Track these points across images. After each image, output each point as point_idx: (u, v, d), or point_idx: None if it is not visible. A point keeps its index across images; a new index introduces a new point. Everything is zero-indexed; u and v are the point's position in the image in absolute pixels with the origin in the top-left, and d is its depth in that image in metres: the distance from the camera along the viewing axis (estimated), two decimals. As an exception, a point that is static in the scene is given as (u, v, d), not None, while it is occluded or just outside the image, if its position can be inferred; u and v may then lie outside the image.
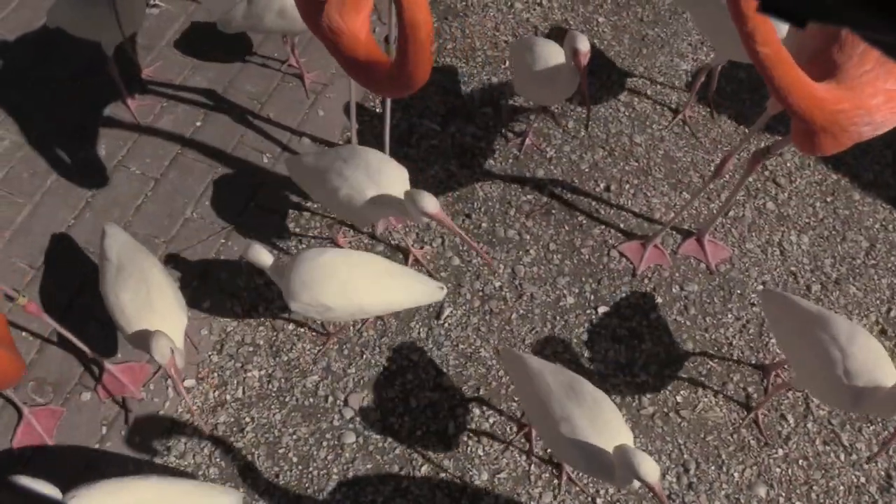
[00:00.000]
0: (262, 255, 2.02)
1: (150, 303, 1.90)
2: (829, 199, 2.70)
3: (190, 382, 2.19)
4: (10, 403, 2.08)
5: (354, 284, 1.96)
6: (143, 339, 1.86)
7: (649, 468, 1.56)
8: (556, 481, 2.12)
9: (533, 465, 2.14)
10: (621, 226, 2.56)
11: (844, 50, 1.59)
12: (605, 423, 1.74)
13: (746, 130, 2.83)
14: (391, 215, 2.11)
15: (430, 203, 1.90)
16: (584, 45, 2.09)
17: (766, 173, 2.73)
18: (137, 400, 2.13)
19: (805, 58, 1.65)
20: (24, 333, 2.20)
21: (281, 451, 2.12)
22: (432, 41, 1.54)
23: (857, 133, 1.59)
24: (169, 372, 1.77)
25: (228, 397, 2.18)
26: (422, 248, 2.42)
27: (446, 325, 2.33)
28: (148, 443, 2.09)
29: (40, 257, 2.33)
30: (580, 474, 2.14)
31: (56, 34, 2.79)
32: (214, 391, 2.19)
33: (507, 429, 2.18)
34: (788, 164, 2.75)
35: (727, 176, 2.70)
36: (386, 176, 2.01)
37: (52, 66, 2.72)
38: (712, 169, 2.72)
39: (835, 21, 0.44)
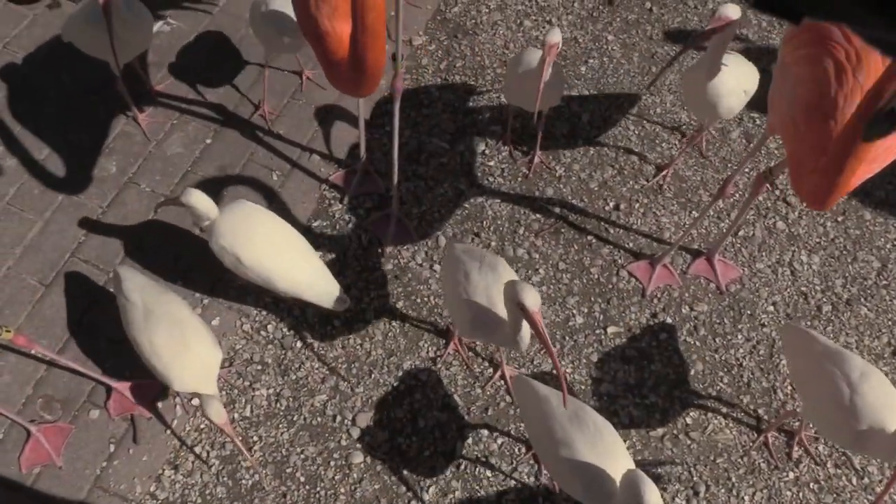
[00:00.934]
0: (203, 202, 2.05)
1: (188, 345, 1.92)
2: (839, 219, 2.68)
3: (198, 401, 2.18)
4: (16, 424, 2.08)
5: (270, 250, 2.05)
6: (188, 389, 1.93)
7: (654, 498, 1.55)
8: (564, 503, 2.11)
9: (542, 487, 2.12)
10: (630, 245, 2.56)
11: (837, 118, 1.57)
12: (605, 448, 1.73)
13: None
14: (491, 339, 2.00)
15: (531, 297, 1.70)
16: (552, 37, 2.13)
17: (777, 192, 2.72)
18: (146, 418, 2.13)
19: (803, 118, 1.66)
20: (32, 350, 2.21)
21: (288, 470, 2.11)
22: (383, 26, 1.59)
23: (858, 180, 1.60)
24: (226, 430, 1.82)
25: (236, 416, 2.18)
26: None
27: (459, 341, 2.33)
28: (156, 461, 2.09)
29: (51, 274, 2.33)
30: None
31: (68, 51, 2.80)
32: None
33: (516, 450, 2.17)
34: (799, 184, 2.74)
35: (737, 195, 2.69)
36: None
37: (64, 83, 2.73)
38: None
39: (831, 16, 0.43)
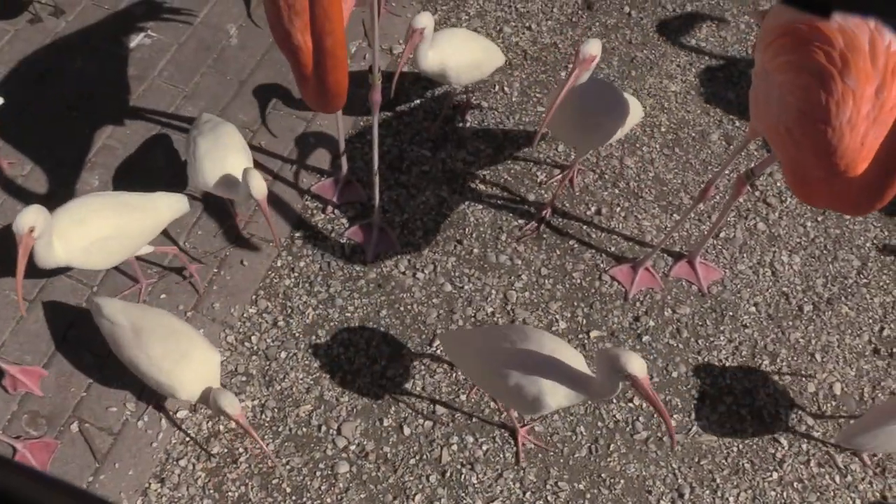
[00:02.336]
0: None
1: (185, 352, 1.93)
2: (819, 219, 2.70)
3: (183, 413, 2.19)
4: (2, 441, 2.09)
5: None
6: (203, 396, 1.94)
7: (636, 363, 1.60)
8: (550, 508, 2.12)
9: (528, 493, 2.13)
10: (612, 249, 2.57)
11: (834, 127, 1.58)
12: (555, 346, 1.81)
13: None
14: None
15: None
16: (588, 48, 1.97)
17: (757, 194, 2.74)
18: (109, 433, 2.13)
19: (807, 155, 1.67)
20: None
21: (274, 481, 2.12)
22: (342, 50, 1.60)
23: None
24: (242, 423, 1.88)
25: (222, 427, 2.19)
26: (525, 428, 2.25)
27: (439, 351, 2.34)
28: (142, 475, 2.09)
29: (34, 290, 2.33)
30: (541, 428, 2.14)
31: (50, 66, 2.81)
32: (208, 422, 2.19)
33: (501, 456, 2.18)
34: (779, 184, 2.76)
35: (717, 197, 2.71)
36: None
37: (47, 98, 2.74)
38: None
39: (860, 9, 0.42)
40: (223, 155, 2.21)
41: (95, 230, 2.01)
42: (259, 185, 2.05)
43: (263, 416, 2.21)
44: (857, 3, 0.42)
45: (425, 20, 2.27)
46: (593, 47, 1.97)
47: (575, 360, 1.81)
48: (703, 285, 2.50)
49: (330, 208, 2.59)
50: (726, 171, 2.71)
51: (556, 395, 1.78)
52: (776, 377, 2.37)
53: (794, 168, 1.73)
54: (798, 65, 1.63)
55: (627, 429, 2.26)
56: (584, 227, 2.62)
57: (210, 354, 1.98)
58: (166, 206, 2.17)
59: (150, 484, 2.09)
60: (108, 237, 2.02)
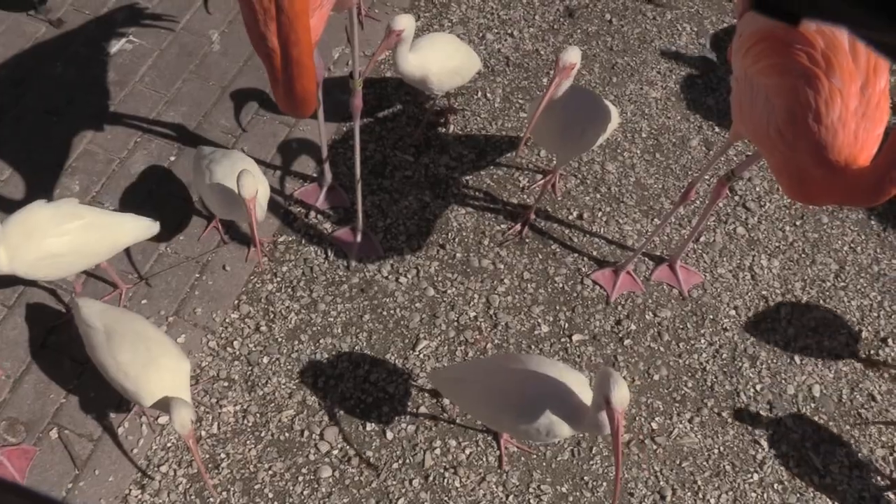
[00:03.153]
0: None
1: (153, 358, 1.90)
2: (798, 223, 2.74)
3: (164, 419, 2.17)
4: (-20, 445, 2.06)
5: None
6: (161, 405, 1.89)
7: (621, 392, 1.58)
8: (532, 511, 2.13)
9: (511, 496, 2.14)
10: (594, 253, 2.59)
11: (825, 125, 1.61)
12: (557, 372, 1.80)
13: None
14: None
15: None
16: (568, 56, 1.99)
17: (736, 198, 2.77)
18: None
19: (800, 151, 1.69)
20: (-5, 373, 2.19)
21: (256, 486, 2.11)
22: (309, 58, 1.60)
23: None
24: (189, 444, 1.80)
25: (203, 433, 2.17)
26: None
27: (422, 355, 2.34)
28: (122, 481, 2.07)
29: (13, 295, 2.31)
30: (524, 440, 2.14)
31: (31, 71, 2.79)
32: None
33: (484, 460, 2.19)
34: (758, 189, 2.80)
35: (698, 202, 2.74)
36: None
37: (28, 102, 2.72)
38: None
39: (830, 18, 0.42)
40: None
41: (48, 246, 1.93)
42: (249, 185, 2.00)
43: (245, 422, 2.20)
44: (825, 11, 0.42)
45: (405, 22, 2.25)
46: (573, 55, 1.99)
47: (578, 383, 1.79)
48: (683, 289, 2.52)
49: (313, 213, 2.59)
50: (706, 176, 2.74)
51: (562, 428, 1.78)
52: (756, 379, 2.39)
53: (790, 170, 1.74)
54: (782, 67, 1.66)
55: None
56: (567, 231, 2.63)
57: (180, 363, 1.94)
58: (131, 230, 2.12)
59: (130, 490, 2.07)
60: (60, 255, 1.96)
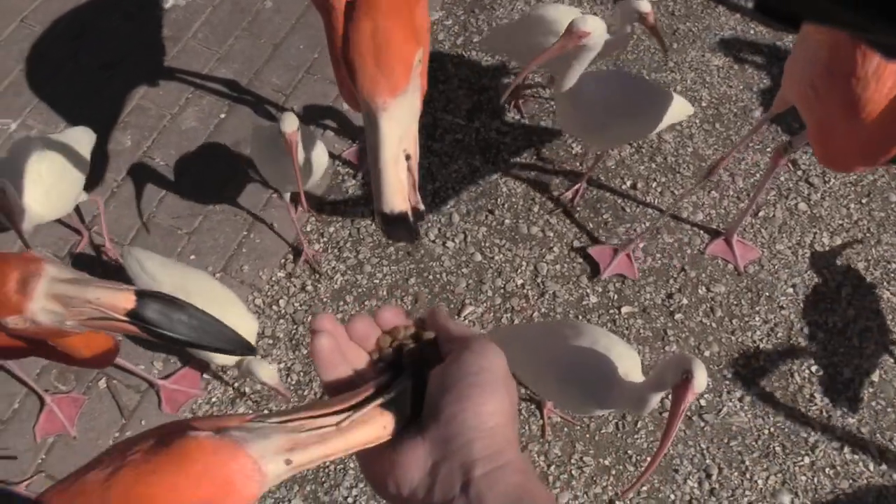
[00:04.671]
0: None
1: (225, 317, 1.89)
2: (864, 201, 2.62)
3: (208, 375, 2.19)
4: (32, 392, 2.11)
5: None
6: (243, 368, 1.95)
7: (703, 375, 1.50)
8: (574, 483, 2.09)
9: (553, 467, 2.11)
10: (647, 224, 2.51)
11: (860, 77, 1.55)
12: (610, 345, 1.74)
13: (778, 127, 2.76)
14: None
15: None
16: (581, 25, 1.77)
17: (799, 173, 2.66)
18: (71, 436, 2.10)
19: (824, 104, 1.64)
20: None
21: (302, 405, 2.11)
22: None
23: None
24: (280, 391, 1.95)
25: (247, 390, 2.19)
26: None
27: (467, 321, 2.31)
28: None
29: (65, 247, 2.35)
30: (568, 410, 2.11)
31: (84, 25, 2.81)
32: (234, 383, 2.19)
33: (527, 428, 2.16)
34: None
35: (757, 175, 2.63)
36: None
37: (82, 57, 2.73)
38: (742, 167, 2.66)
39: (830, 22, 0.43)
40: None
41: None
42: (290, 121, 1.91)
43: (289, 380, 2.21)
44: (825, 14, 0.42)
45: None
46: (587, 23, 1.75)
47: (630, 360, 1.74)
48: (739, 264, 2.44)
49: (361, 175, 2.57)
50: (768, 149, 2.62)
51: (605, 402, 1.73)
52: (812, 361, 2.31)
53: (820, 128, 1.71)
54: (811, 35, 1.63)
55: (656, 407, 2.21)
56: (620, 200, 2.56)
57: (249, 323, 1.95)
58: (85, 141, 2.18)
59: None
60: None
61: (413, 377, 0.58)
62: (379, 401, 0.54)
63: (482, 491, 0.51)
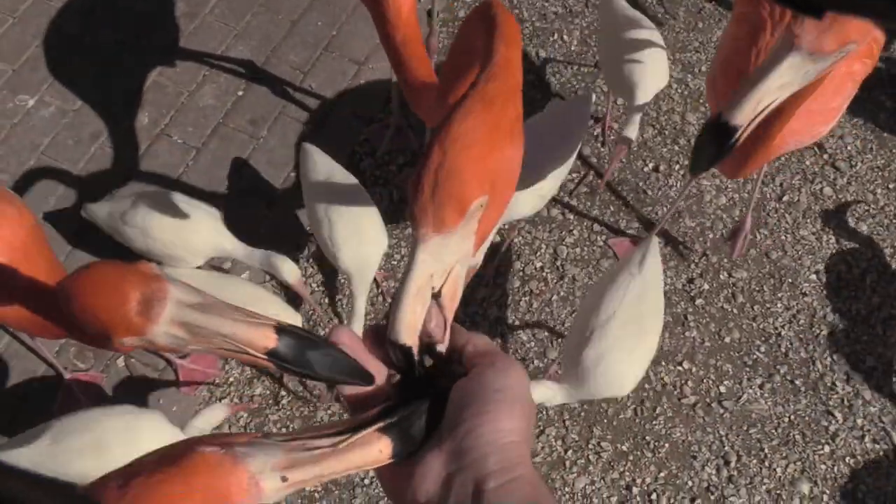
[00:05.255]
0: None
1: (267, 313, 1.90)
2: (891, 186, 2.57)
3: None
4: (52, 368, 2.12)
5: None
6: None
7: None
8: (591, 468, 2.09)
9: (570, 451, 2.10)
10: (668, 207, 2.48)
11: (750, 55, 1.48)
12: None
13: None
14: None
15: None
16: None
17: (826, 157, 2.60)
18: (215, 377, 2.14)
19: (722, 71, 1.59)
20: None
21: (316, 424, 2.11)
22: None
23: (781, 153, 1.50)
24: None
25: (265, 372, 2.19)
26: None
27: (484, 304, 2.29)
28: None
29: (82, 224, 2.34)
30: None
31: (102, 2, 2.78)
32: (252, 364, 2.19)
33: (543, 412, 2.14)
34: (849, 148, 2.62)
35: (782, 158, 2.58)
36: None
37: (100, 34, 2.71)
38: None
39: (852, 9, 0.42)
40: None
41: None
42: (290, 271, 1.97)
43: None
44: (847, 2, 0.42)
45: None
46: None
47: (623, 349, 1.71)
48: (736, 248, 2.36)
49: (379, 153, 2.54)
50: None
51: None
52: (834, 348, 2.28)
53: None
54: (744, 15, 1.56)
55: (675, 392, 2.20)
56: (641, 183, 2.52)
57: (292, 317, 1.96)
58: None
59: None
60: None
61: (427, 398, 0.59)
62: (378, 425, 0.56)
63: (493, 502, 0.53)
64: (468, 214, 0.61)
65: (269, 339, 0.57)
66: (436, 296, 0.62)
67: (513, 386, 0.59)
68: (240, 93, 2.62)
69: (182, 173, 2.46)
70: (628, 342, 1.68)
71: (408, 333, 0.59)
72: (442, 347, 0.63)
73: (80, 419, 1.71)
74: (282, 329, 0.58)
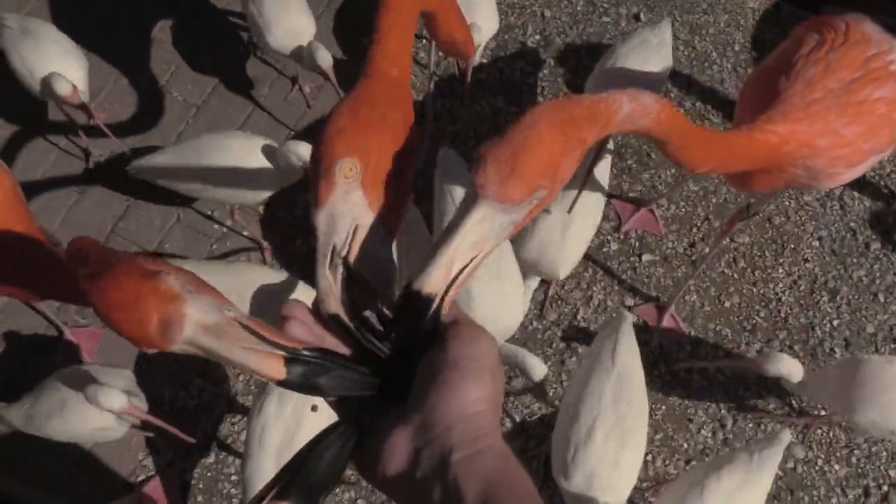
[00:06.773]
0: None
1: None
2: (897, 153, 2.54)
3: (227, 312, 2.20)
4: (52, 325, 2.13)
5: None
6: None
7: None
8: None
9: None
10: (672, 171, 2.46)
11: (790, 76, 1.40)
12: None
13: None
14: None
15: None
16: None
17: (832, 122, 2.57)
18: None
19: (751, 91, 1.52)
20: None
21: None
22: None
23: (793, 176, 1.39)
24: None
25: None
26: None
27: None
28: (185, 368, 2.12)
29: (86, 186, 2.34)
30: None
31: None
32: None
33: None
34: (857, 113, 2.58)
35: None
36: None
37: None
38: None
39: (850, 5, 0.40)
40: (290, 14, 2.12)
41: None
42: (324, 56, 2.01)
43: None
44: None
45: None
46: None
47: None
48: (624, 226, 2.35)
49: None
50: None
51: None
52: (834, 315, 2.27)
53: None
54: (800, 35, 1.50)
55: (673, 356, 2.20)
56: (644, 146, 2.50)
57: (311, 294, 1.91)
58: None
59: (192, 378, 2.12)
60: None
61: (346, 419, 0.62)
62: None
63: (458, 475, 0.52)
64: (531, 198, 0.61)
65: (279, 372, 0.58)
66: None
67: (479, 356, 0.58)
68: (240, 51, 2.59)
69: (182, 130, 2.44)
70: (613, 453, 1.62)
71: (436, 283, 0.60)
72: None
73: (54, 381, 1.74)
74: (291, 359, 0.58)
